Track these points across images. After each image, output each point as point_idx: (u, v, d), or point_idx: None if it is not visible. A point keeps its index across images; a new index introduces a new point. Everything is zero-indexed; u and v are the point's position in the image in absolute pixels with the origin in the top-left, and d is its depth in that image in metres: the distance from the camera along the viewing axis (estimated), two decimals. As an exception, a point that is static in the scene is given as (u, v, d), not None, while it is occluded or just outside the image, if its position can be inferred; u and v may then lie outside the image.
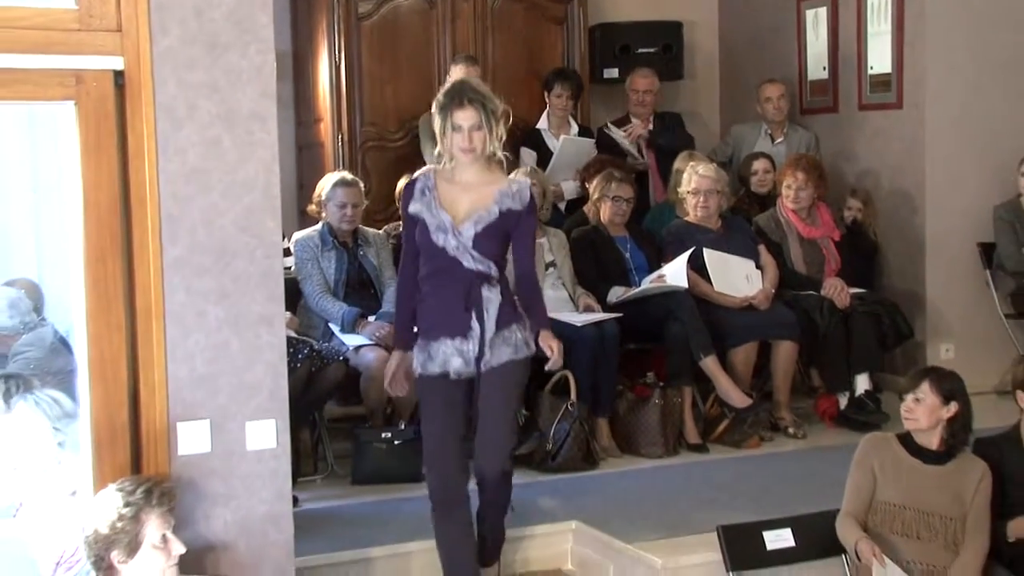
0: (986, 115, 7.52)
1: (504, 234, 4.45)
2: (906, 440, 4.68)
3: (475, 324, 4.39)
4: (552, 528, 5.15)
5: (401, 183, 6.65)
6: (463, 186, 4.44)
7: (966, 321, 7.47)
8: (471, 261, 4.37)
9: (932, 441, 4.63)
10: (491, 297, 4.40)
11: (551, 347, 4.53)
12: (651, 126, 7.63)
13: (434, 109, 4.41)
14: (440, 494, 4.50)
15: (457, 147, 4.37)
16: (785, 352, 6.52)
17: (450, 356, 4.39)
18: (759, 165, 7.45)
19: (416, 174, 4.58)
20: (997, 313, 7.45)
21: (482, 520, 4.65)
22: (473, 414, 4.55)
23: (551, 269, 6.33)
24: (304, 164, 7.72)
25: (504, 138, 4.42)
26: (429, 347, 4.42)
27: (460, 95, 4.37)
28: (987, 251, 7.50)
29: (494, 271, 4.42)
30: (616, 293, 6.41)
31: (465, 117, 4.34)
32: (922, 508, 4.56)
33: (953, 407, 4.60)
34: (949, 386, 4.62)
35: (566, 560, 5.14)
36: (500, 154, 4.43)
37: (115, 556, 3.50)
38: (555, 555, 5.13)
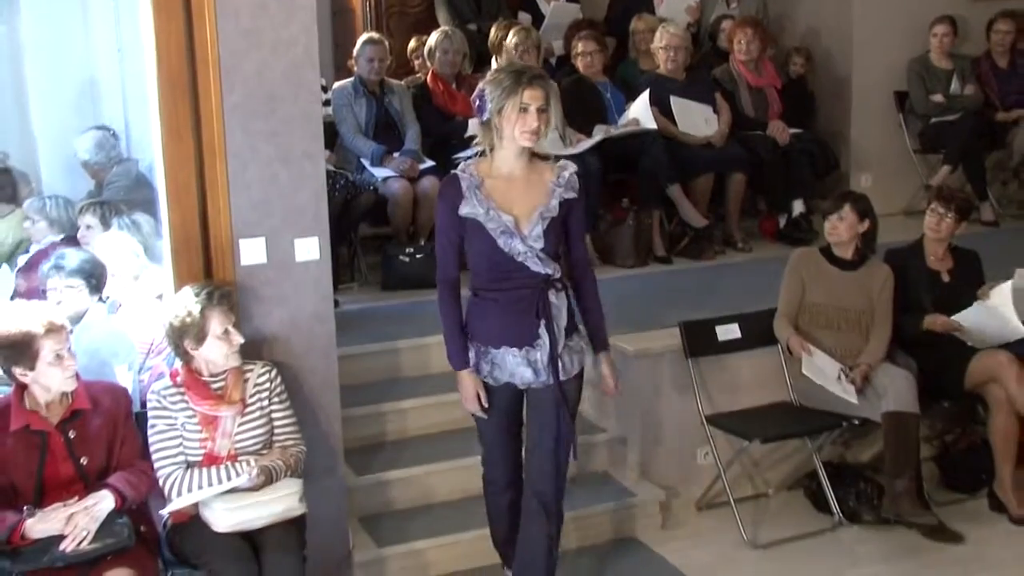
0: (905, -16, 7.32)
1: (563, 228, 3.46)
2: (827, 252, 4.70)
3: (543, 333, 3.40)
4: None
5: (411, 44, 6.49)
6: (510, 181, 3.41)
7: (882, 156, 7.40)
8: (538, 264, 3.38)
9: (848, 252, 4.66)
10: (559, 304, 3.43)
11: (610, 376, 3.66)
12: None
13: (493, 90, 3.34)
14: (497, 483, 3.66)
15: (522, 129, 3.31)
16: (736, 182, 6.46)
17: (518, 367, 3.43)
18: (725, 24, 7.23)
19: (458, 169, 3.44)
20: (907, 149, 7.37)
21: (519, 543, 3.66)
22: (529, 429, 3.60)
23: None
24: (338, 26, 7.53)
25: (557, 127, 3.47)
26: (492, 356, 3.46)
27: (528, 74, 3.34)
28: (901, 98, 7.40)
29: (557, 272, 3.43)
30: (599, 131, 6.30)
31: (534, 97, 3.30)
32: (841, 306, 4.61)
33: (867, 223, 4.64)
34: (863, 206, 4.66)
35: (555, 349, 5.17)
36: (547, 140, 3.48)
37: (187, 344, 3.51)
38: (547, 345, 5.14)
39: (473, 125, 6.06)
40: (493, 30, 6.58)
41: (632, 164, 6.21)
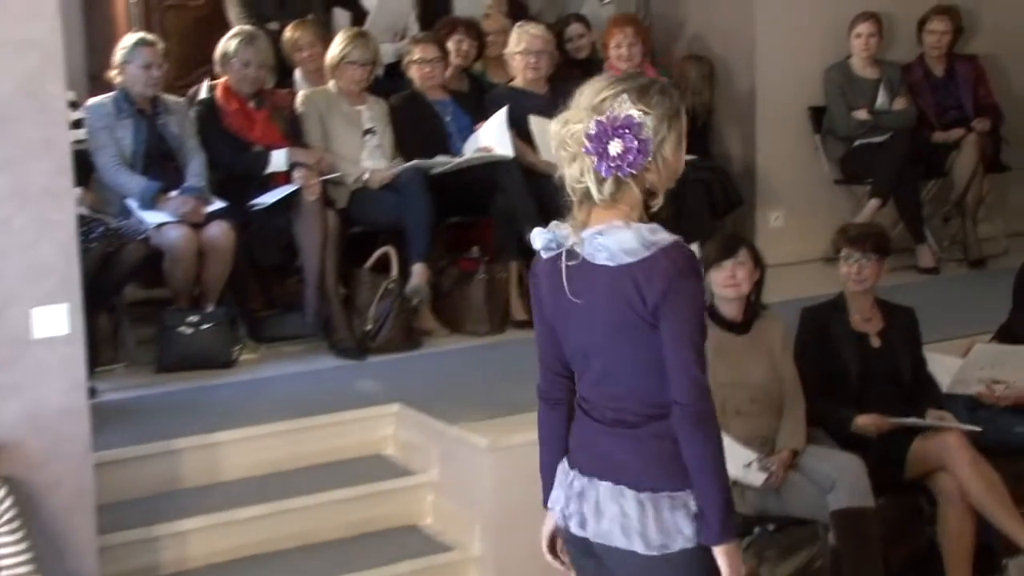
0: (818, -27, 7.60)
1: None
2: (712, 315, 4.75)
3: None
4: (373, 412, 5.14)
5: (222, 47, 6.28)
6: None
7: (796, 188, 7.60)
8: None
9: (737, 312, 4.73)
10: None
11: None
12: None
13: (658, 115, 2.82)
14: None
15: (680, 166, 2.94)
16: (614, 223, 6.54)
17: None
18: (574, 29, 7.35)
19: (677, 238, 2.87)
20: (826, 179, 7.60)
21: None
22: None
23: (369, 136, 6.27)
24: (94, 25, 7.38)
25: None
26: None
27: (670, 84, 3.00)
28: (817, 115, 7.63)
29: None
30: (440, 162, 6.33)
31: None
32: (745, 381, 4.67)
33: (759, 270, 4.75)
34: (755, 250, 4.77)
35: (388, 444, 5.13)
36: None
37: None
38: (376, 439, 5.12)
39: (279, 157, 6.02)
40: (291, 31, 6.59)
41: (483, 203, 6.26)
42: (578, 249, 2.84)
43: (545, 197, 6.28)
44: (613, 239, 2.81)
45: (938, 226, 7.67)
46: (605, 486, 2.90)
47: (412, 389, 5.33)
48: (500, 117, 6.32)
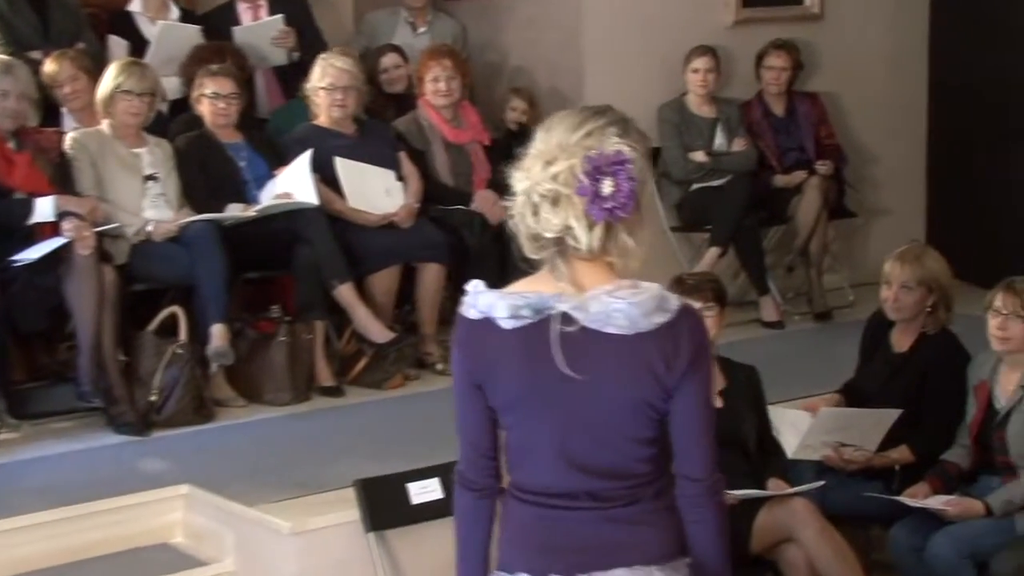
0: (650, 3, 7.72)
1: None
2: None
3: None
4: (158, 495, 5.06)
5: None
6: None
7: (629, 235, 7.66)
8: None
9: None
10: None
11: None
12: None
13: (641, 153, 2.79)
14: None
15: None
16: (431, 277, 6.56)
17: None
18: (388, 60, 7.40)
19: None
20: (662, 226, 7.67)
21: None
22: None
23: (151, 183, 6.17)
24: None
25: None
26: None
27: None
28: (651, 157, 7.68)
29: None
30: (233, 210, 6.25)
31: None
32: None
33: None
34: None
35: (176, 531, 5.05)
36: None
37: None
38: (162, 526, 5.04)
39: (45, 206, 5.87)
40: (50, 63, 6.44)
41: (283, 256, 6.23)
42: (577, 315, 2.67)
43: (354, 248, 6.32)
44: (631, 302, 2.67)
45: (782, 276, 7.83)
46: (619, 573, 2.75)
47: (204, 468, 5.28)
48: (303, 161, 6.30)
